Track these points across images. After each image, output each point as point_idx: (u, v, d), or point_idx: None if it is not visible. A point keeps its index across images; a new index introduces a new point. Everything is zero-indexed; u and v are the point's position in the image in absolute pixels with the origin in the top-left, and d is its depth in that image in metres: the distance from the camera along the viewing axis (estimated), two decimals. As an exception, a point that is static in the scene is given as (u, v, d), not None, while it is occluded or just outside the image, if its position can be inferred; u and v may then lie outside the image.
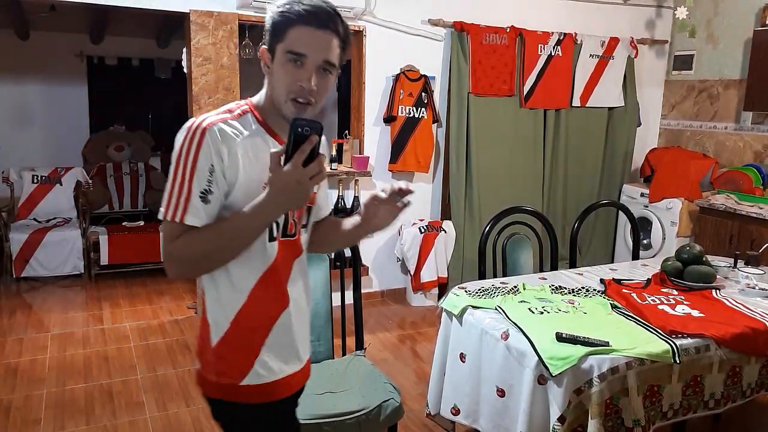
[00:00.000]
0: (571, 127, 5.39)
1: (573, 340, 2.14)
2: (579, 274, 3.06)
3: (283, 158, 1.21)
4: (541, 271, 3.39)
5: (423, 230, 4.93)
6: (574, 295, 2.69)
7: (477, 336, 2.40)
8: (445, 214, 5.26)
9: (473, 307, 2.50)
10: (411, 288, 5.06)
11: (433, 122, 4.94)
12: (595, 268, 3.20)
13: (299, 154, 1.19)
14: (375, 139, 4.92)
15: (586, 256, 5.64)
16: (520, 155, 5.21)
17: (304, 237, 1.51)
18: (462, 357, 2.47)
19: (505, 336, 2.26)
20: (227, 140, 1.31)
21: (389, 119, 4.82)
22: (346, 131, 5.01)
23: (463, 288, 2.73)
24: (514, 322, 2.30)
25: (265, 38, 1.38)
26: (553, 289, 2.74)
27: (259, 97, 1.43)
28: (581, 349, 2.09)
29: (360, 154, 4.89)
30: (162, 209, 1.31)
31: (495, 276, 3.24)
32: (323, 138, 1.33)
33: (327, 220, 1.65)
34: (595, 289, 2.77)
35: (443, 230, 5.00)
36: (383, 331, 4.54)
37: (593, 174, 5.60)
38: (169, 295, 5.33)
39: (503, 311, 2.42)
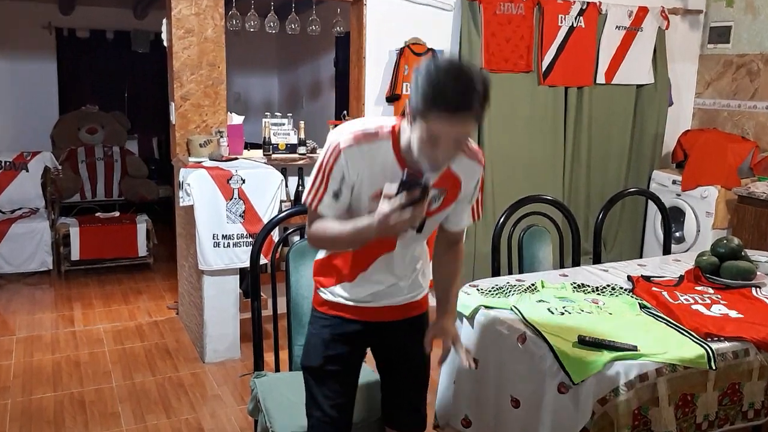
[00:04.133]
0: (595, 106, 5.37)
1: (597, 344, 2.14)
2: (604, 270, 3.06)
3: (392, 198, 1.71)
4: (562, 267, 3.40)
5: (430, 222, 4.90)
6: (598, 294, 2.69)
7: (490, 340, 2.40)
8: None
9: (486, 307, 2.50)
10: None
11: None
12: (622, 263, 3.20)
13: (399, 200, 1.68)
14: (376, 120, 4.89)
15: (612, 250, 5.63)
16: (538, 138, 5.20)
17: (409, 236, 1.93)
18: (475, 361, 2.47)
19: (522, 339, 2.26)
20: (357, 161, 1.84)
21: (392, 98, 4.80)
22: (345, 111, 4.99)
23: (474, 286, 2.74)
24: (531, 324, 2.30)
25: (411, 96, 1.73)
26: (575, 287, 2.74)
27: (404, 130, 1.84)
28: (606, 354, 2.09)
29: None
30: (305, 197, 1.91)
31: (510, 272, 3.23)
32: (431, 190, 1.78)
33: (449, 240, 2.13)
34: (621, 287, 2.76)
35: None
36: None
37: (620, 159, 5.58)
38: (148, 293, 5.34)
39: (519, 312, 2.41)
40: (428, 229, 2.03)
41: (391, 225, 1.71)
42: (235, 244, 3.94)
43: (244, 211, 3.93)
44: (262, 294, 2.78)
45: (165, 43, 4.43)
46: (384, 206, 1.71)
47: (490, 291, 2.67)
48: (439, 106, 1.66)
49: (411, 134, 1.77)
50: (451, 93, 1.65)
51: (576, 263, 3.40)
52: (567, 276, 2.95)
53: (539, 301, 2.56)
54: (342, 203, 1.90)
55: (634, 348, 2.13)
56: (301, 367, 2.15)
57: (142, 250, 5.86)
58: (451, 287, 2.17)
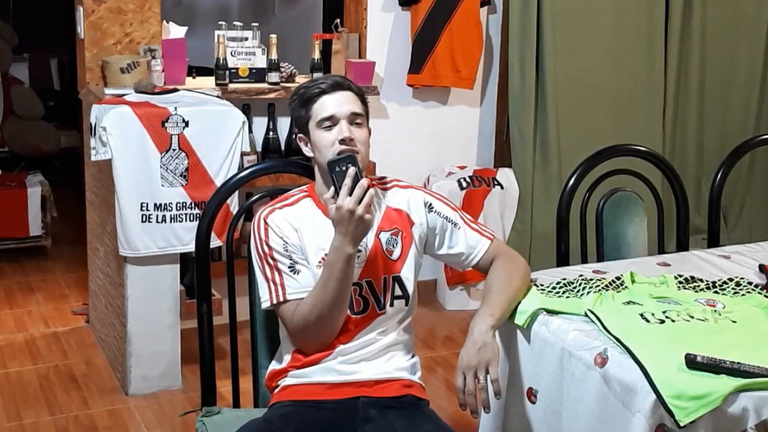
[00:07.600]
0: (711, 8, 5.35)
1: (714, 367, 2.14)
2: (724, 257, 3.06)
3: (335, 198, 2.27)
4: (662, 252, 3.40)
5: (465, 184, 4.93)
6: (715, 293, 2.68)
7: (553, 360, 2.41)
8: (502, 157, 5.26)
9: (548, 311, 2.50)
10: (445, 280, 5.06)
11: (482, 4, 4.91)
12: (752, 247, 3.20)
13: (343, 189, 2.23)
14: (385, 33, 4.93)
15: (737, 227, 5.66)
16: (626, 60, 5.20)
17: (393, 310, 2.48)
18: (531, 394, 2.49)
19: (601, 361, 2.26)
20: (286, 224, 2.43)
21: (409, 0, 4.78)
22: (337, 21, 4.97)
23: (531, 281, 2.73)
24: (615, 338, 2.30)
25: (297, 126, 2.54)
26: (680, 283, 2.74)
27: (317, 181, 2.52)
28: (728, 382, 2.09)
29: (360, 58, 4.87)
30: (266, 299, 2.40)
31: (584, 261, 3.24)
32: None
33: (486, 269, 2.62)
34: (750, 283, 2.76)
35: (498, 184, 5.01)
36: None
37: (748, 89, 5.59)
38: (43, 291, 5.35)
39: (598, 319, 2.41)
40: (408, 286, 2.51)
41: (349, 212, 2.20)
42: (174, 218, 3.94)
43: (187, 169, 3.93)
44: (214, 293, 2.79)
45: None
46: (333, 205, 2.25)
47: (554, 288, 2.66)
48: (318, 94, 2.42)
49: (317, 156, 2.43)
50: (321, 81, 2.47)
51: (683, 246, 3.41)
52: (669, 266, 2.95)
53: (627, 302, 2.56)
54: (306, 277, 2.39)
55: (770, 373, 2.14)
56: None
57: (35, 226, 5.86)
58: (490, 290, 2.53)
